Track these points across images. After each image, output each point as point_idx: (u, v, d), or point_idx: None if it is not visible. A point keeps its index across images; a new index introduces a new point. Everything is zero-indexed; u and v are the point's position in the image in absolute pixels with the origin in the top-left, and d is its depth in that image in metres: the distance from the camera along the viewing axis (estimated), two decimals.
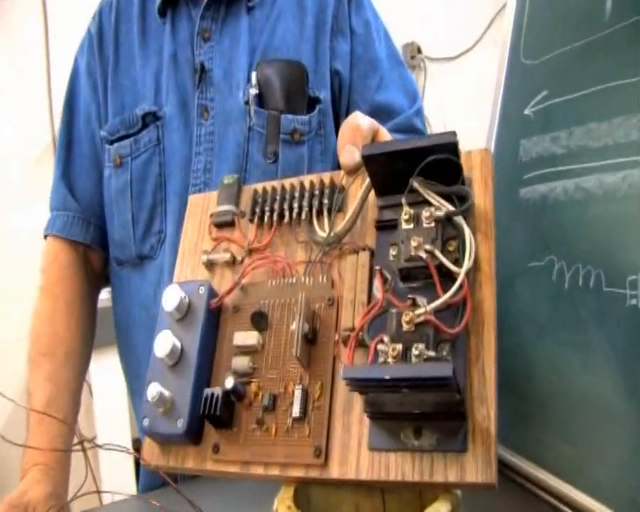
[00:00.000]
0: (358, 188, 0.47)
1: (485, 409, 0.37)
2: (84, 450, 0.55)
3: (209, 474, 0.45)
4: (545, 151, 0.64)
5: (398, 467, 0.38)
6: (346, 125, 0.50)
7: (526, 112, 0.67)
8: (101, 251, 0.81)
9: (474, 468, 0.36)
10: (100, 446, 0.44)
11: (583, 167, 0.58)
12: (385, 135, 0.52)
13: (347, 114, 0.76)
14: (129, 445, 1.58)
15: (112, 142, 0.77)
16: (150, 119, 0.74)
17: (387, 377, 0.34)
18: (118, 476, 1.32)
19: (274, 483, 0.43)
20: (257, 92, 0.72)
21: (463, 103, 1.81)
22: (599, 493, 0.52)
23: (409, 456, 0.38)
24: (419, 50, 2.11)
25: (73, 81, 0.83)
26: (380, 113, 0.73)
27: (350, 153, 0.47)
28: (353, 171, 0.47)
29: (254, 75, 0.72)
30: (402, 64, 0.80)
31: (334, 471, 0.40)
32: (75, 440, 0.67)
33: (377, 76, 0.76)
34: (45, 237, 0.80)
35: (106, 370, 1.54)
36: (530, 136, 0.66)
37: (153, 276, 0.73)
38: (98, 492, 0.60)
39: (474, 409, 0.38)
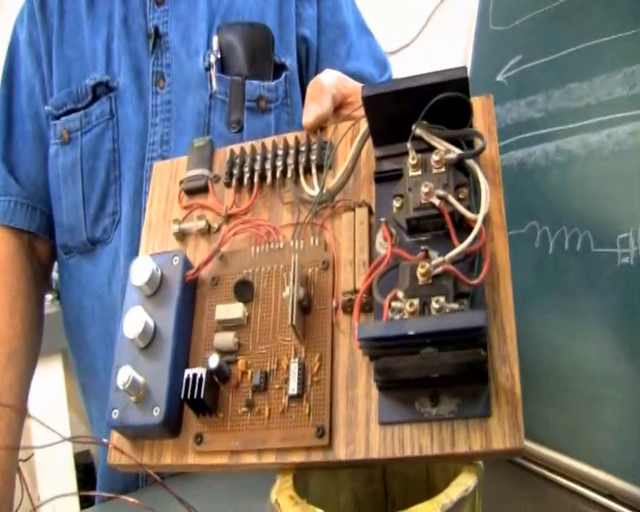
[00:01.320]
0: (347, 146, 0.43)
1: (507, 368, 0.34)
2: (19, 470, 0.48)
3: (191, 469, 0.40)
4: (521, 116, 0.62)
5: (414, 440, 0.34)
6: (310, 85, 0.47)
7: (498, 78, 0.65)
8: (48, 240, 0.73)
9: (500, 433, 0.32)
10: (79, 440, 0.38)
11: (564, 128, 0.56)
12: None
13: None
14: (71, 461, 1.48)
15: (58, 117, 0.69)
16: (102, 90, 0.67)
17: (411, 332, 0.29)
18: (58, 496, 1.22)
19: (263, 473, 0.38)
20: (219, 57, 0.66)
21: None
22: (598, 460, 0.49)
23: (427, 427, 0.34)
24: None
25: (12, 53, 0.75)
26: None
27: (310, 110, 0.44)
28: (314, 130, 0.44)
29: (215, 39, 0.67)
30: (369, 32, 0.77)
31: (340, 452, 0.35)
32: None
33: (346, 44, 0.73)
34: None
35: (44, 380, 1.43)
36: (503, 103, 0.64)
37: (107, 262, 0.66)
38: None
39: (495, 370, 0.34)
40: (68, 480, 1.45)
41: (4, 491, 0.58)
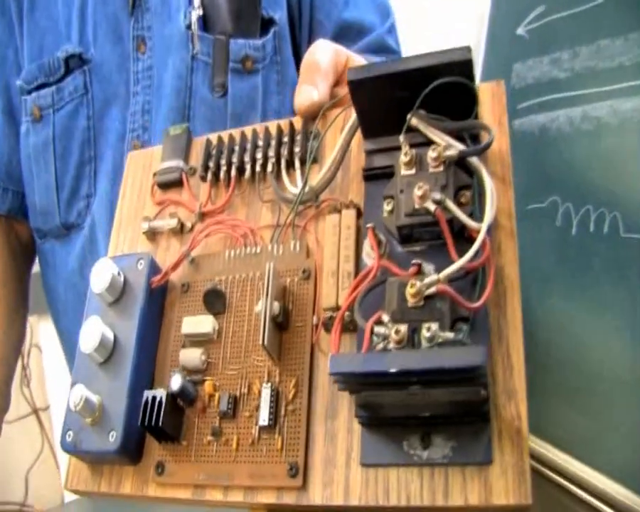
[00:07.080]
0: (336, 136, 0.38)
1: (513, 406, 0.28)
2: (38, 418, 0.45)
3: (152, 502, 0.35)
4: (544, 75, 0.55)
5: (401, 488, 0.29)
6: (304, 62, 0.42)
7: (519, 31, 0.58)
8: (25, 221, 0.69)
9: (503, 485, 0.27)
10: None
11: (593, 92, 0.49)
12: (357, 63, 0.43)
13: (310, 37, 0.66)
14: None
15: (29, 92, 0.64)
16: (75, 62, 0.61)
17: (393, 370, 0.24)
18: None
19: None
20: (201, 13, 0.60)
21: None
22: (619, 474, 0.44)
23: (416, 472, 0.29)
24: None
25: None
26: (349, 32, 0.64)
27: (304, 93, 0.39)
28: (309, 116, 0.39)
29: None
30: None
31: (316, 496, 0.30)
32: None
33: None
34: None
35: (56, 343, 1.41)
36: (524, 59, 0.56)
37: (79, 249, 0.62)
38: None
39: (499, 407, 0.28)
40: None
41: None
